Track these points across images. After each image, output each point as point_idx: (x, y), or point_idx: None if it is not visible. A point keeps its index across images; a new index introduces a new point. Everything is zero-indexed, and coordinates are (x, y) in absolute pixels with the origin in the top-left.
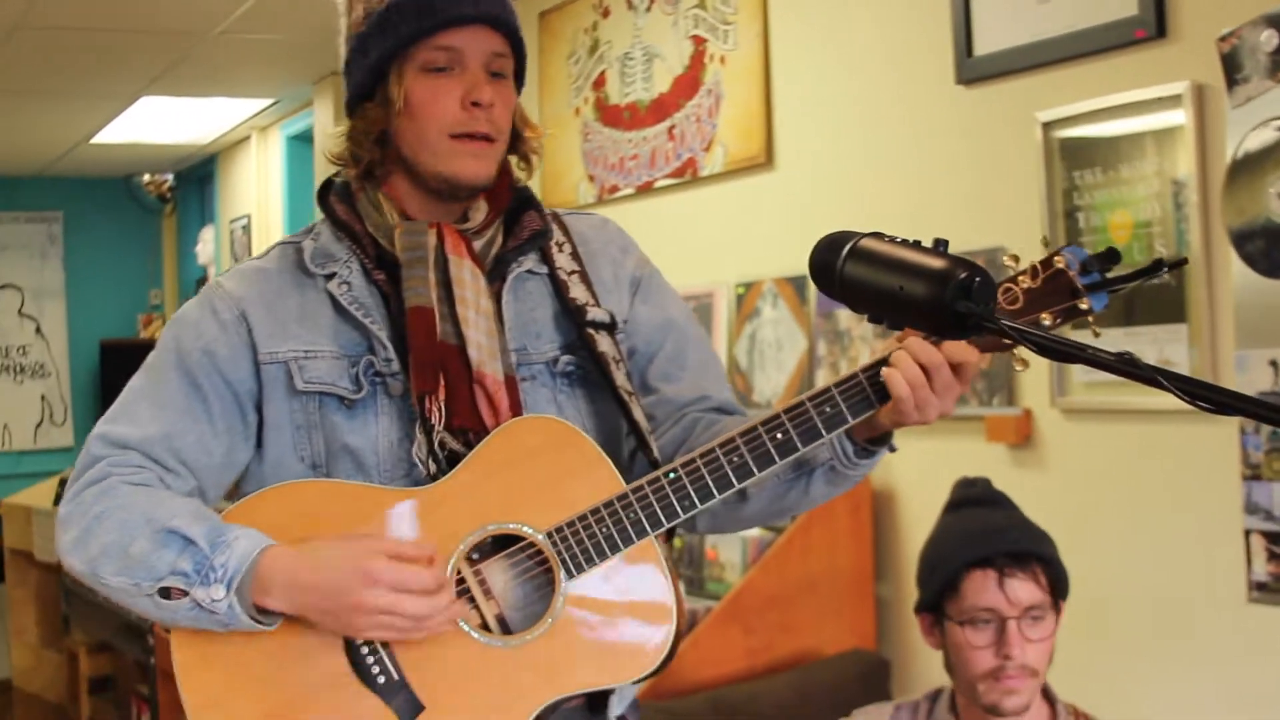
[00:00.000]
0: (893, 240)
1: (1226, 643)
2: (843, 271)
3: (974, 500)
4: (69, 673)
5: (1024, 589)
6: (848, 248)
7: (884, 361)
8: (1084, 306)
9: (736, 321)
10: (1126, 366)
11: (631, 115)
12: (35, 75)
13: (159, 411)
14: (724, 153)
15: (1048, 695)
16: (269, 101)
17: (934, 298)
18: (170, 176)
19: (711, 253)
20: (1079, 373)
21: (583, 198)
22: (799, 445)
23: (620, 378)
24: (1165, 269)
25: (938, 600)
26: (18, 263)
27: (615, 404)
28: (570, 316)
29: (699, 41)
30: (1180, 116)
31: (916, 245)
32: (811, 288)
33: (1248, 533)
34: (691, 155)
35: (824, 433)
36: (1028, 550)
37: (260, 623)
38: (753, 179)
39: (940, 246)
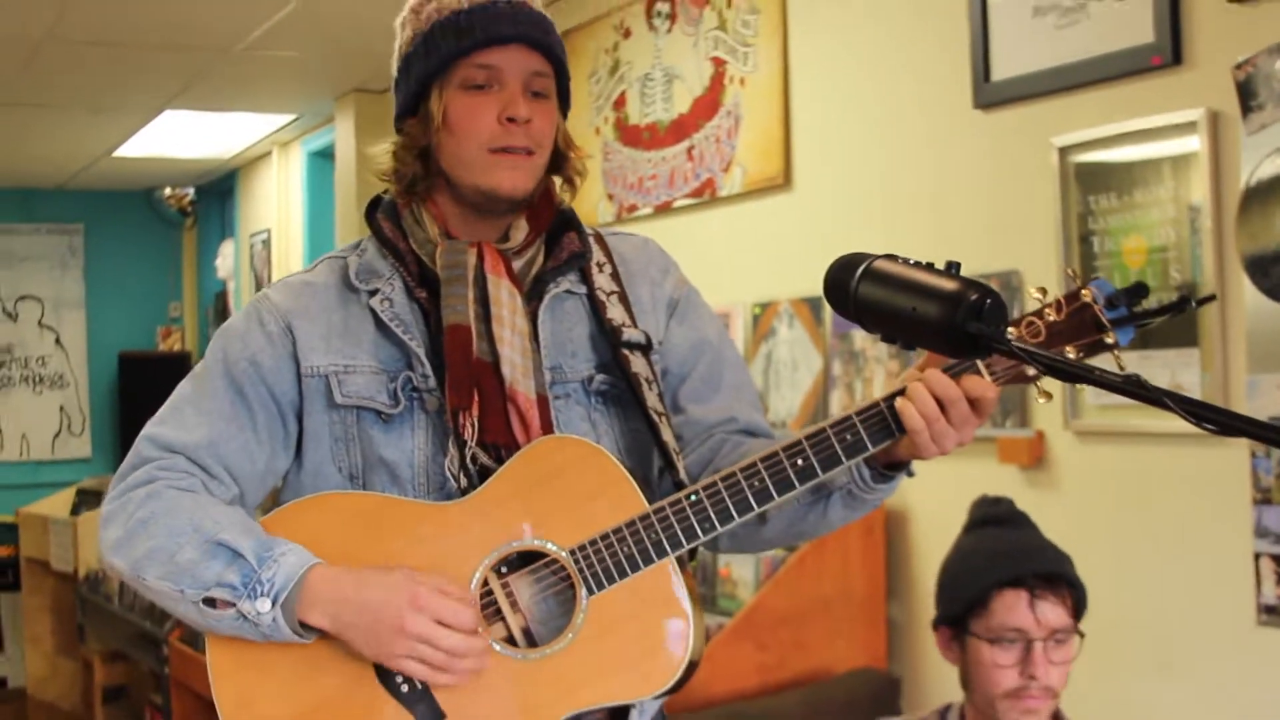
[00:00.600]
0: (906, 262)
1: (1235, 665)
2: (857, 292)
3: (999, 519)
4: (83, 681)
5: (1053, 612)
6: (861, 269)
7: (903, 391)
8: (1109, 341)
9: (753, 342)
10: (1134, 388)
11: (651, 135)
12: (60, 89)
13: (205, 418)
14: (742, 173)
15: (1057, 716)
16: (291, 117)
17: (946, 319)
18: (191, 190)
19: (729, 273)
20: (1091, 395)
21: (602, 217)
22: (819, 471)
23: (652, 399)
24: (1193, 304)
25: (963, 616)
26: (38, 274)
27: (645, 424)
28: (606, 337)
29: (719, 63)
30: (1195, 143)
31: (929, 267)
32: (827, 308)
33: (1257, 556)
34: (710, 175)
35: (844, 459)
36: (1058, 573)
37: (300, 636)
38: (771, 200)
39: (953, 269)
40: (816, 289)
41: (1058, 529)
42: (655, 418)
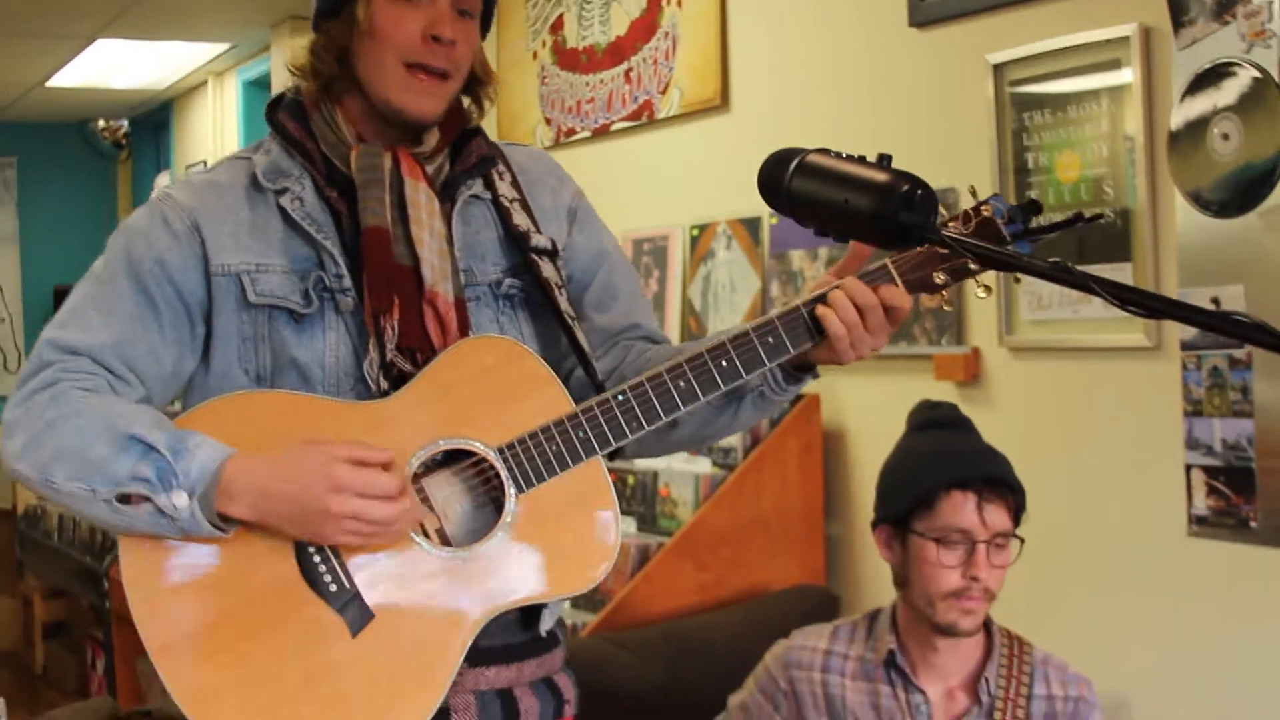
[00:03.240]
0: (838, 156)
1: (1167, 575)
2: (790, 187)
3: (942, 422)
4: (23, 618)
5: (998, 515)
6: (795, 163)
7: (823, 298)
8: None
9: (691, 263)
10: (1060, 274)
11: (589, 58)
12: None
13: (109, 319)
14: (680, 95)
15: (986, 621)
16: (226, 46)
17: (878, 210)
18: (125, 123)
19: (667, 195)
20: (1026, 311)
21: (539, 141)
22: (743, 372)
23: (563, 302)
24: (1083, 221)
25: (905, 516)
26: None
27: (558, 327)
28: (514, 242)
29: None
30: (1128, 59)
31: (861, 160)
32: (765, 229)
33: (1188, 468)
34: (648, 98)
35: (766, 362)
36: (1004, 478)
37: (220, 529)
38: (708, 121)
39: (884, 161)
40: (754, 210)
41: (993, 443)
42: (569, 321)
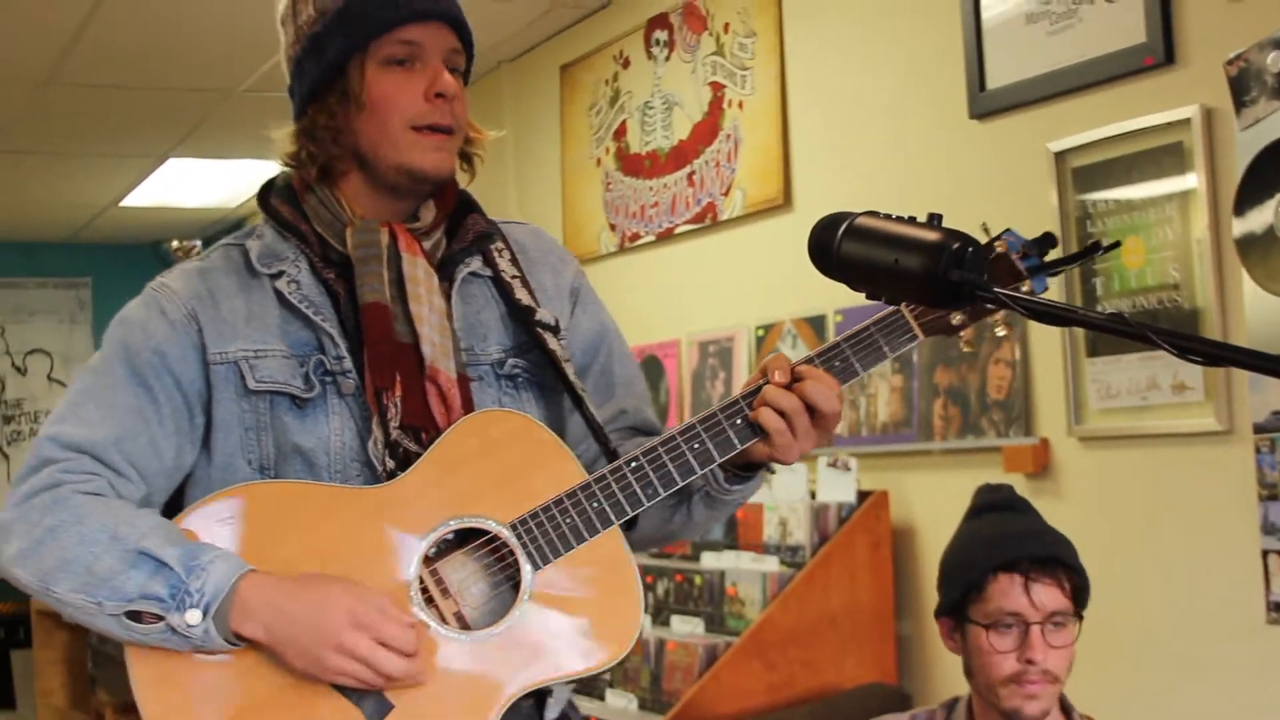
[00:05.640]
0: (887, 217)
1: (1246, 663)
2: (840, 249)
3: (998, 505)
4: None
5: (1049, 594)
6: (844, 226)
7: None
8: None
9: (756, 364)
10: (1117, 325)
11: (652, 163)
12: (64, 135)
13: (109, 413)
14: (743, 196)
15: (1063, 706)
16: None
17: (928, 269)
18: (198, 242)
19: (731, 296)
20: (1095, 400)
21: (604, 247)
22: (736, 444)
23: (572, 374)
24: (1100, 251)
25: (961, 603)
26: (47, 328)
27: (567, 401)
28: (518, 318)
29: (717, 88)
30: (1190, 140)
31: (911, 220)
32: (830, 328)
33: (1265, 553)
34: (711, 200)
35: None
36: (1054, 556)
37: (234, 645)
38: (771, 221)
39: (934, 220)
40: (819, 308)
41: (1066, 534)
42: (580, 392)
